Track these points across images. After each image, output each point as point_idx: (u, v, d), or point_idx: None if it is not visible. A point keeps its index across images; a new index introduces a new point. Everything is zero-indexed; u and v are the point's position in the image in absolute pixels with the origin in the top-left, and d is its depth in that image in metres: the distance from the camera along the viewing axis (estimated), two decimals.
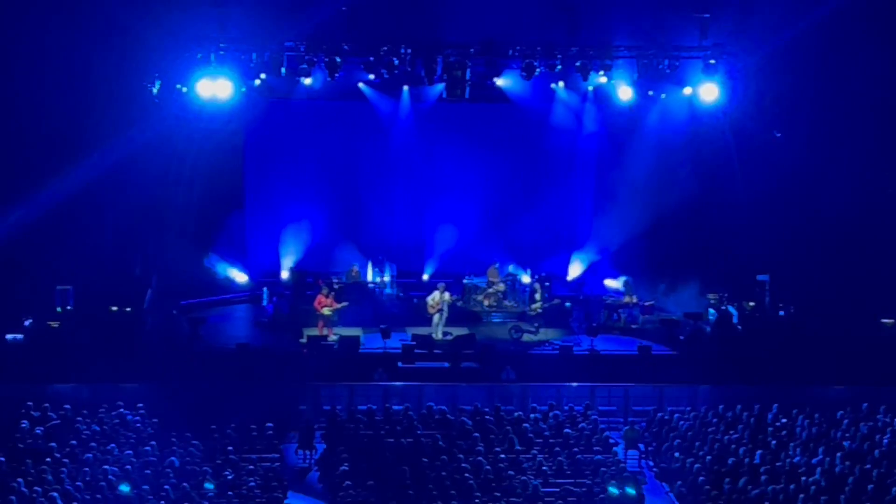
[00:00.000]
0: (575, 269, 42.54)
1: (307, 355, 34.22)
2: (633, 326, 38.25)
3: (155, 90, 36.75)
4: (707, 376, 33.98)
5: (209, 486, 26.39)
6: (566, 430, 29.98)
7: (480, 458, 27.85)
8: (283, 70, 36.07)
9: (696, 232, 41.04)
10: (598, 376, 33.84)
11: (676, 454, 29.13)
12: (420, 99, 40.97)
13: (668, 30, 36.93)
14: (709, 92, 38.20)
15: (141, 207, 37.88)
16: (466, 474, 26.87)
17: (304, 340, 35.41)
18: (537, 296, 38.09)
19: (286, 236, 41.67)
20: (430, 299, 37.14)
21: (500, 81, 37.96)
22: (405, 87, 40.59)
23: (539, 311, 37.63)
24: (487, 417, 30.71)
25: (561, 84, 40.23)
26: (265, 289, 39.77)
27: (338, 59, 35.60)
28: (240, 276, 41.54)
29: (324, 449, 29.87)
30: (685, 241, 41.08)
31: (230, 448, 28.20)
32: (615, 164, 42.08)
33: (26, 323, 34.78)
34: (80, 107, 36.01)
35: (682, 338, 36.61)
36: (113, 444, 28.01)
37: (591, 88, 40.37)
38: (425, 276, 41.40)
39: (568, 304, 38.61)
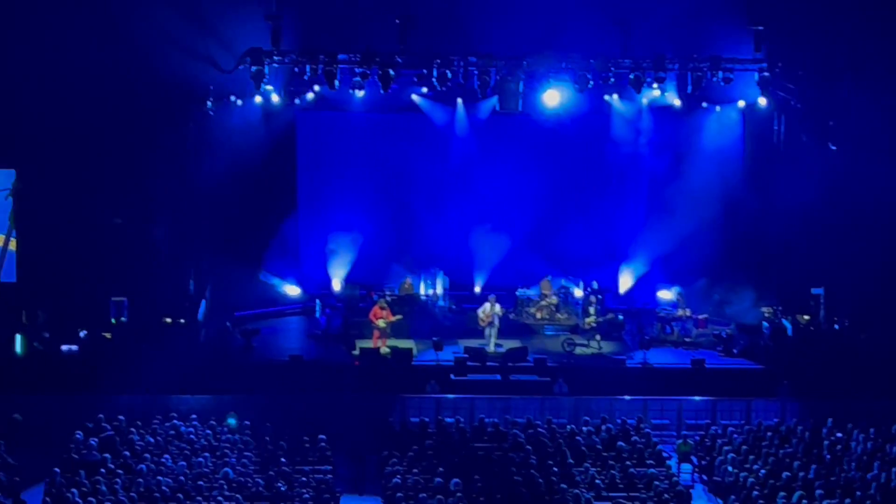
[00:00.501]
0: (626, 282, 42.35)
1: (360, 367, 34.28)
2: (687, 339, 38.10)
3: (209, 103, 36.99)
4: (761, 390, 33.82)
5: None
6: (619, 444, 29.86)
7: (533, 471, 27.75)
8: (336, 83, 36.11)
9: (749, 244, 40.83)
10: (651, 389, 33.73)
11: (730, 468, 28.90)
12: (473, 111, 40.95)
13: (720, 42, 36.78)
14: (762, 104, 38.05)
15: (195, 219, 38.03)
16: (519, 487, 26.79)
17: (356, 353, 35.46)
18: (592, 309, 37.89)
19: (339, 248, 41.68)
20: (480, 311, 37.13)
21: (552, 94, 37.86)
22: (459, 100, 40.57)
23: (594, 324, 37.46)
24: (540, 430, 30.64)
25: (615, 96, 40.13)
26: (318, 301, 39.90)
27: (391, 72, 35.66)
28: (293, 290, 41.62)
29: (376, 461, 29.87)
30: (739, 254, 40.87)
31: (283, 459, 28.23)
32: (668, 176, 41.86)
33: (81, 334, 35.00)
34: (136, 119, 36.23)
35: (735, 351, 36.46)
36: (167, 456, 28.12)
37: (644, 101, 40.26)
38: (477, 289, 41.35)
39: (620, 316, 38.46)
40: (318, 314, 39.44)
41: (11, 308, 35.86)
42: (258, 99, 38.76)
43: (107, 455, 27.86)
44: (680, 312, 38.72)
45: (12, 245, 37.08)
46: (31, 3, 34.96)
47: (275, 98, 38.99)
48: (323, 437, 29.81)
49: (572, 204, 42.59)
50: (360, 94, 37.43)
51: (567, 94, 37.70)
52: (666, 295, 40.69)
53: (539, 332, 38.80)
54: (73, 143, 36.40)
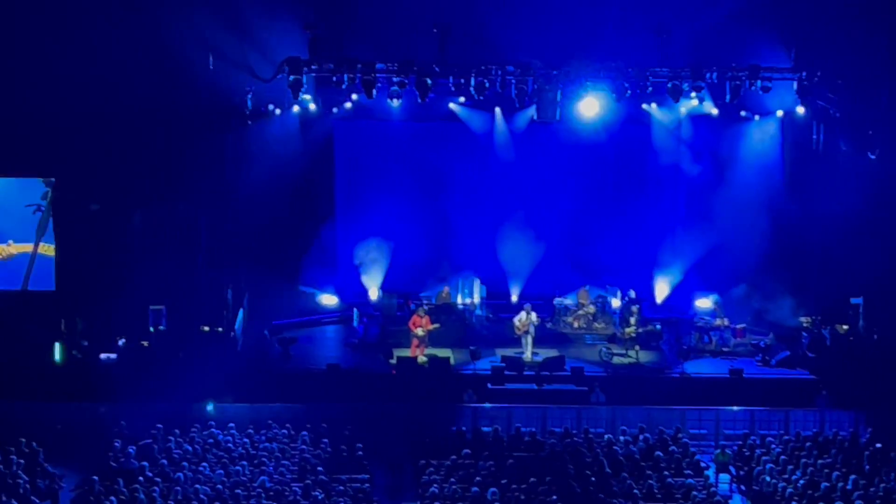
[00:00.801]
0: (663, 291, 42.18)
1: (397, 376, 34.31)
2: (725, 349, 37.94)
3: (248, 112, 37.13)
4: (800, 400, 33.68)
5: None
6: (656, 454, 29.77)
7: (570, 480, 27.71)
8: (374, 92, 36.14)
9: (788, 253, 40.56)
10: (689, 399, 33.63)
11: (768, 479, 28.79)
12: (511, 120, 40.93)
13: (758, 51, 36.66)
14: (800, 112, 37.93)
15: (233, 228, 38.17)
16: (556, 497, 26.76)
17: (393, 361, 35.49)
18: (632, 319, 37.70)
19: (376, 257, 41.72)
20: (516, 320, 37.09)
21: (590, 103, 37.77)
22: (497, 109, 40.53)
23: (633, 334, 37.28)
24: (577, 439, 30.59)
25: (653, 105, 40.00)
26: (355, 309, 39.95)
27: (428, 81, 35.67)
28: (330, 300, 41.67)
29: (413, 469, 29.88)
30: (777, 263, 40.58)
31: (320, 468, 28.28)
32: (706, 185, 41.69)
33: (120, 342, 35.16)
34: (174, 128, 36.41)
35: (773, 362, 36.31)
36: (204, 464, 28.22)
37: (683, 110, 40.14)
38: (514, 298, 41.30)
39: (658, 326, 38.34)
40: (355, 323, 39.50)
41: (50, 317, 36.05)
42: (296, 108, 39.00)
43: (145, 463, 27.99)
44: (718, 322, 38.57)
45: (47, 251, 37.11)
46: (72, 13, 35.11)
47: (312, 107, 39.18)
48: (360, 445, 29.84)
49: (609, 212, 42.51)
50: (397, 103, 37.46)
51: (605, 103, 37.58)
52: (704, 304, 40.54)
53: (576, 342, 38.71)
54: (112, 151, 36.55)
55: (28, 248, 37.10)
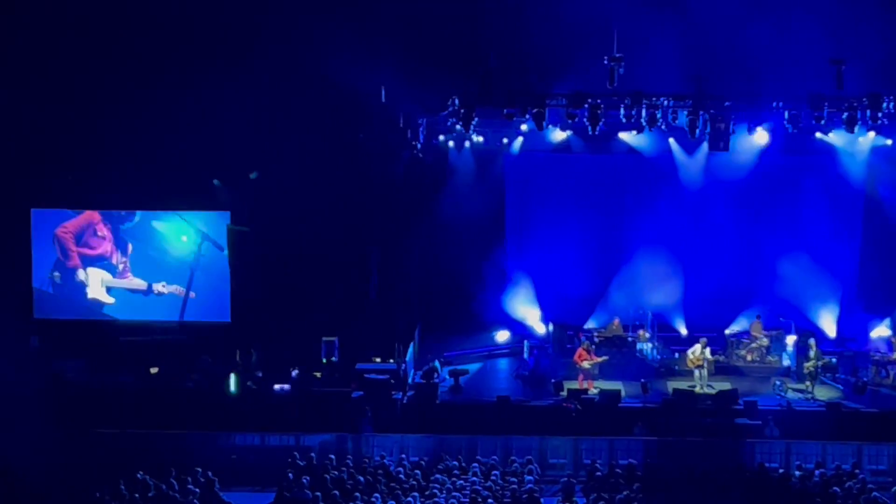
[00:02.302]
0: (831, 324, 41.26)
1: (571, 409, 34.13)
2: None
3: (419, 145, 37.42)
4: None
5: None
6: (833, 489, 29.17)
7: None
8: (544, 123, 36.16)
9: None
10: (867, 435, 32.91)
11: None
12: (682, 151, 40.54)
13: None
14: None
15: (405, 260, 38.47)
16: None
17: (563, 394, 35.38)
18: (811, 353, 36.96)
19: (546, 289, 41.72)
20: (690, 353, 36.78)
21: (762, 134, 37.35)
22: (671, 140, 40.15)
23: (811, 369, 36.58)
24: (747, 475, 30.14)
25: (831, 135, 38.94)
26: (525, 342, 39.91)
27: (599, 113, 35.54)
28: (502, 335, 41.65)
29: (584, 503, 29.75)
30: None
31: (491, 501, 28.24)
32: (887, 215, 40.84)
33: (293, 374, 35.62)
34: (347, 161, 37.00)
35: None
36: (376, 495, 28.36)
37: (861, 140, 39.18)
38: (683, 330, 40.89)
39: (834, 360, 37.62)
40: (525, 355, 39.44)
41: (226, 348, 36.74)
42: (466, 143, 39.29)
43: (318, 493, 28.24)
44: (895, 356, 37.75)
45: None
46: (248, 53, 35.96)
47: (481, 139, 39.35)
48: (530, 478, 29.77)
49: (781, 244, 41.75)
50: (567, 135, 37.38)
51: (775, 134, 37.02)
52: (880, 332, 39.63)
53: (749, 375, 38.16)
54: (286, 185, 37.26)
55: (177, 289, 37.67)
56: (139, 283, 36.50)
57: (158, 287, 36.70)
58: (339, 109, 36.65)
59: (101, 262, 35.01)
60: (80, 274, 35.12)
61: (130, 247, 36.09)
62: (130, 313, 37.33)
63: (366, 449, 31.86)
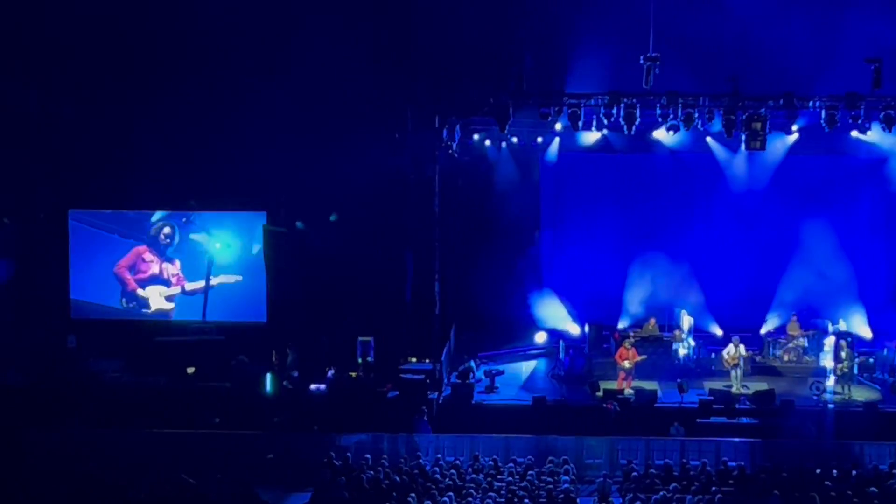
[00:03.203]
0: (863, 324, 40.94)
1: (611, 410, 34.04)
2: None
3: (454, 145, 37.40)
4: None
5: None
6: (871, 489, 29.04)
7: None
8: (580, 123, 36.12)
9: None
10: None
11: None
12: (719, 151, 40.35)
13: None
14: None
15: (441, 261, 38.50)
16: None
17: (600, 394, 35.35)
18: (843, 353, 36.78)
19: (583, 288, 41.67)
20: (725, 353, 36.73)
21: (795, 132, 37.25)
22: (708, 139, 39.90)
23: (846, 369, 36.41)
24: (784, 475, 30.03)
25: (869, 134, 38.55)
26: (561, 341, 39.83)
27: (636, 113, 35.47)
28: (540, 336, 41.62)
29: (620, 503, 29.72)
30: None
31: (527, 501, 28.21)
32: None
33: (329, 373, 35.71)
34: (381, 160, 37.10)
35: None
36: (412, 495, 28.40)
37: None
38: (718, 332, 40.70)
39: (871, 360, 37.43)
40: (561, 355, 39.38)
41: (262, 348, 36.86)
42: (503, 144, 39.31)
43: (354, 494, 28.30)
44: None
45: (225, 280, 38.52)
46: (282, 48, 36.18)
47: (515, 140, 39.35)
48: (566, 478, 29.75)
49: (819, 242, 41.51)
50: (601, 134, 37.37)
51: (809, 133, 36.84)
52: None
53: (786, 375, 38.01)
54: (319, 184, 37.41)
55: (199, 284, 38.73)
56: (195, 285, 38.51)
57: (215, 280, 38.53)
58: (376, 110, 36.77)
59: (155, 281, 37.78)
60: (140, 292, 37.83)
61: (178, 262, 38.27)
62: (190, 315, 39.09)
63: (402, 449, 31.87)
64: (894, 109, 35.21)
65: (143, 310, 38.24)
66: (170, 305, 37.96)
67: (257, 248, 38.38)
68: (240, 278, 38.60)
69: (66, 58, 37.09)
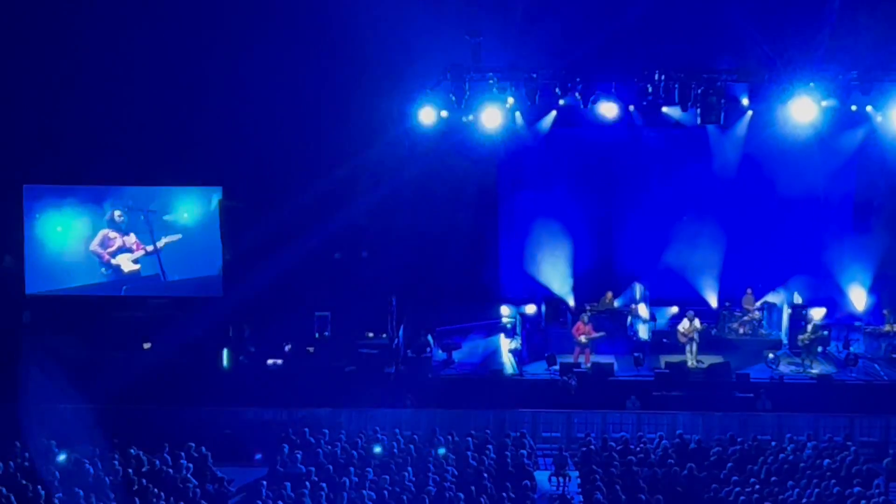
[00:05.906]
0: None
1: (570, 385, 34.12)
2: (895, 356, 37.12)
3: (413, 119, 37.24)
4: None
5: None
6: (825, 462, 29.27)
7: (736, 488, 27.41)
8: (536, 99, 36.07)
9: None
10: (858, 407, 33.02)
11: None
12: (675, 124, 40.20)
13: None
14: None
15: (398, 235, 38.49)
16: None
17: (556, 367, 35.44)
18: (809, 327, 36.99)
19: (539, 263, 41.69)
20: (680, 327, 36.86)
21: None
22: (665, 108, 39.68)
23: (807, 342, 36.57)
24: (742, 447, 30.23)
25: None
26: (518, 316, 39.86)
27: (592, 88, 35.47)
28: (503, 310, 41.55)
29: (577, 477, 29.83)
30: None
31: (486, 475, 28.31)
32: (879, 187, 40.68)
33: (286, 348, 35.66)
34: (341, 135, 36.97)
35: None
36: (370, 469, 28.47)
37: (854, 108, 38.48)
38: (674, 309, 40.74)
39: (826, 332, 37.66)
40: (518, 330, 39.43)
41: (218, 323, 36.77)
42: (465, 118, 39.05)
43: (311, 468, 28.34)
44: (887, 328, 37.75)
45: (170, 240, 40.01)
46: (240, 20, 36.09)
47: (471, 117, 39.15)
48: (524, 452, 29.84)
49: (772, 216, 41.56)
50: (559, 107, 37.40)
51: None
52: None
53: (742, 348, 38.17)
54: (276, 160, 37.33)
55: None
56: (149, 248, 40.16)
57: (160, 243, 40.04)
58: (331, 83, 36.71)
59: (122, 251, 40.00)
60: (113, 262, 39.98)
61: (132, 234, 40.02)
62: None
63: (360, 424, 31.87)
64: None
65: (117, 275, 40.29)
66: (138, 266, 40.01)
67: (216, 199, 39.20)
68: (180, 236, 39.85)
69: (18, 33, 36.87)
